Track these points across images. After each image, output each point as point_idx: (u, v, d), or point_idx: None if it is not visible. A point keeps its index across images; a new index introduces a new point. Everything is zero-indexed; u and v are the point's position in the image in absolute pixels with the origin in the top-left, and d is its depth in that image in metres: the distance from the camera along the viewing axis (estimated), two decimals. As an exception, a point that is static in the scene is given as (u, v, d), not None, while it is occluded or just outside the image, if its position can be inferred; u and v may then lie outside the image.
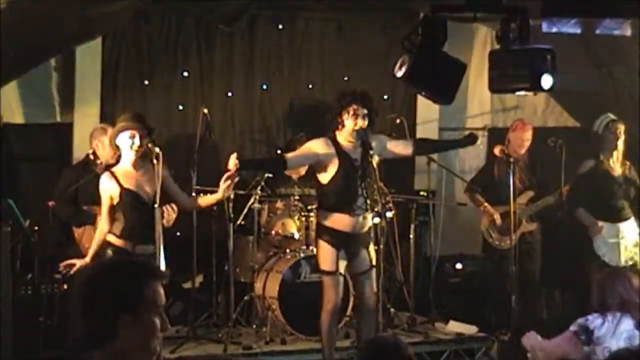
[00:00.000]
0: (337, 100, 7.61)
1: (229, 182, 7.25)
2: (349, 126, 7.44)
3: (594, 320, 5.45)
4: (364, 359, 4.11)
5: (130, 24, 9.12)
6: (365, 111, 7.44)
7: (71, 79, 9.07)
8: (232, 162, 7.16)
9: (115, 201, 7.09)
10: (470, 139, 7.97)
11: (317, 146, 7.53)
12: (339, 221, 7.49)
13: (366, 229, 7.58)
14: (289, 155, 7.68)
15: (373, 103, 7.60)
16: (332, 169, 7.49)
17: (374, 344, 4.16)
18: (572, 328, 5.52)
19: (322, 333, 7.71)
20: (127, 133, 7.06)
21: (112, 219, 7.14)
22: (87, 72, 9.12)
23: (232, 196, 8.52)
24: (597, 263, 8.92)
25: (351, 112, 7.42)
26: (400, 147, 7.77)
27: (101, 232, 7.15)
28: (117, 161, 7.18)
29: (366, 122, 7.44)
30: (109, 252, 7.10)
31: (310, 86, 10.03)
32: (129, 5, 7.90)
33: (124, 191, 7.06)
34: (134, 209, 7.11)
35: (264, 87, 9.87)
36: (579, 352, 5.47)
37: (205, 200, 7.52)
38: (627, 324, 5.39)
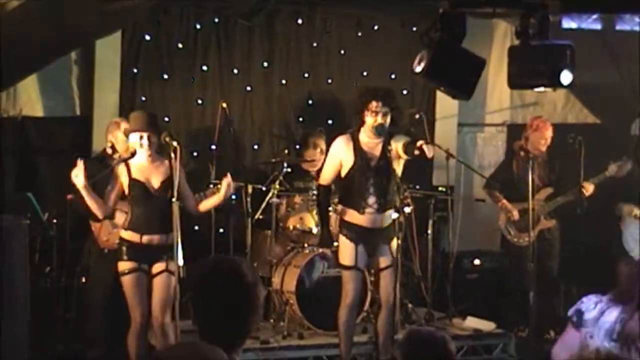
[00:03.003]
0: (359, 97, 7.62)
1: (229, 181, 7.28)
2: (369, 123, 7.46)
3: (587, 302, 5.34)
4: (408, 351, 4.03)
5: (150, 18, 9.13)
6: (387, 109, 7.43)
7: (91, 73, 9.09)
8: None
9: (126, 192, 7.15)
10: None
11: (338, 149, 7.60)
12: (354, 216, 7.51)
13: (387, 224, 7.57)
14: (325, 180, 7.78)
15: (395, 100, 7.59)
16: (348, 165, 7.51)
17: (417, 336, 4.08)
18: (569, 313, 5.40)
19: (340, 327, 7.71)
20: (137, 134, 7.13)
21: (115, 205, 7.21)
22: (106, 66, 9.13)
23: (250, 190, 8.54)
24: (625, 258, 8.89)
25: (371, 109, 7.42)
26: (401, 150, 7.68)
27: (103, 205, 7.16)
28: (133, 154, 7.22)
29: (387, 120, 7.44)
30: (123, 247, 7.12)
31: (329, 81, 10.01)
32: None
33: (132, 182, 7.14)
34: (140, 200, 7.18)
35: (283, 81, 9.86)
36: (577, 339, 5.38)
37: (205, 204, 7.56)
38: (612, 315, 5.24)
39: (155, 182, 7.19)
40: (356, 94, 7.87)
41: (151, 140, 7.14)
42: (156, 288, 7.13)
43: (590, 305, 5.26)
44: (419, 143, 7.35)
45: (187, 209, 7.46)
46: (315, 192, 8.90)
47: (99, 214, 7.10)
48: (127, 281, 7.10)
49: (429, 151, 7.36)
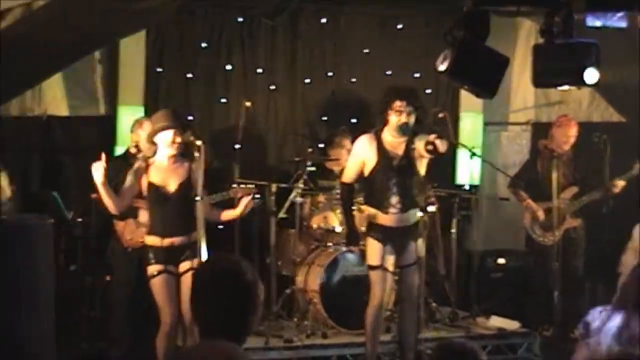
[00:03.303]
0: (383, 96, 7.62)
1: (249, 199, 7.30)
2: (393, 122, 7.45)
3: (593, 314, 5.36)
4: None
5: (174, 17, 9.15)
6: (411, 108, 7.43)
7: (115, 72, 9.12)
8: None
9: (144, 193, 7.15)
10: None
11: (361, 147, 7.59)
12: (379, 216, 7.51)
13: (412, 222, 7.56)
14: (348, 178, 7.76)
15: (419, 99, 7.58)
16: (371, 164, 7.51)
17: (449, 349, 4.07)
18: (578, 331, 5.43)
19: (367, 328, 7.70)
20: (168, 132, 7.07)
21: (126, 203, 7.21)
22: (131, 65, 9.16)
23: (274, 189, 8.55)
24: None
25: (395, 109, 7.42)
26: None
27: (117, 200, 7.11)
28: (154, 154, 7.20)
29: (412, 119, 7.43)
30: (149, 253, 7.12)
31: (352, 80, 10.00)
32: (172, -1, 7.95)
33: (149, 184, 7.11)
34: (157, 203, 7.15)
35: (307, 80, 9.87)
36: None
37: (226, 215, 7.55)
38: (616, 321, 5.26)
39: (173, 185, 7.13)
40: (380, 93, 7.86)
41: (181, 137, 7.11)
42: (184, 287, 7.12)
43: (595, 315, 5.28)
44: (430, 137, 7.32)
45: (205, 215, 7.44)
46: (339, 190, 8.90)
47: (112, 209, 7.06)
48: (155, 284, 7.10)
49: (441, 145, 7.32)
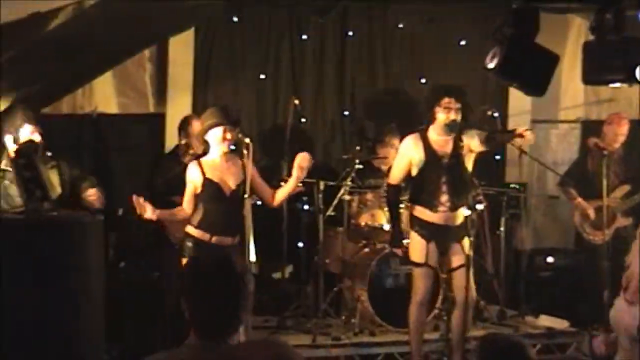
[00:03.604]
0: (431, 93, 7.60)
1: (305, 166, 7.22)
2: (441, 120, 7.42)
3: None
4: (486, 357, 4.00)
5: (223, 15, 9.19)
6: (458, 105, 7.40)
7: (164, 70, 9.18)
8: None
9: (198, 190, 7.10)
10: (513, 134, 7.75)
11: (408, 148, 7.55)
12: (426, 214, 7.48)
13: (459, 222, 7.52)
14: (395, 179, 7.70)
15: (466, 97, 7.55)
16: (419, 164, 7.48)
17: (495, 342, 4.05)
18: None
19: (410, 325, 7.69)
20: (218, 129, 7.06)
21: (195, 207, 7.15)
22: (179, 63, 9.22)
23: (321, 187, 8.55)
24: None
25: (444, 106, 7.40)
26: (477, 144, 7.63)
27: (181, 212, 7.16)
28: (205, 152, 7.19)
29: (459, 116, 7.40)
30: (189, 243, 7.11)
31: (401, 77, 9.99)
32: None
33: (206, 181, 7.05)
34: (213, 200, 7.09)
35: (355, 78, 9.87)
36: None
37: (280, 194, 7.35)
38: None
39: (231, 184, 7.11)
40: (428, 91, 7.83)
41: (231, 134, 7.10)
42: None
43: None
44: (519, 130, 7.35)
45: (267, 203, 7.39)
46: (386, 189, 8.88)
47: (185, 217, 7.10)
48: None
49: (532, 135, 7.34)
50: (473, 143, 7.44)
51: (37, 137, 6.61)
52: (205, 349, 3.51)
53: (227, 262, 3.64)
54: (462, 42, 10.03)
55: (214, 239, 7.06)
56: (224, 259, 3.69)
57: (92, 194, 6.85)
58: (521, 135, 7.37)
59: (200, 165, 7.07)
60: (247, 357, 3.38)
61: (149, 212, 6.77)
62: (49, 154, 6.40)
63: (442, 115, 7.41)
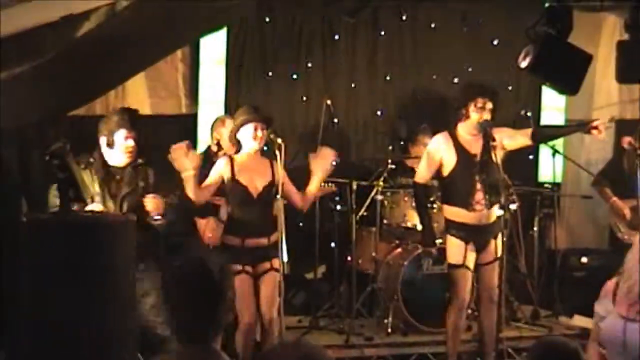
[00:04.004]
0: (464, 91, 7.57)
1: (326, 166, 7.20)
2: (474, 119, 7.40)
3: None
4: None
5: (254, 16, 9.20)
6: (491, 105, 7.39)
7: (196, 71, 9.20)
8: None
9: (228, 188, 7.13)
10: (588, 126, 7.73)
11: (439, 147, 7.52)
12: (461, 215, 7.45)
13: (493, 219, 7.50)
14: (423, 178, 7.66)
15: (498, 97, 7.53)
16: (451, 163, 7.45)
17: (550, 347, 4.03)
18: None
19: (448, 327, 7.65)
20: (249, 125, 7.08)
21: (206, 194, 7.14)
22: (212, 64, 9.24)
23: (354, 187, 8.55)
24: None
25: (478, 105, 7.38)
26: (518, 139, 7.62)
27: (191, 191, 7.05)
28: (237, 152, 7.21)
29: (490, 116, 7.39)
30: (227, 254, 7.11)
31: (433, 76, 9.97)
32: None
33: (234, 182, 7.06)
34: (242, 203, 7.11)
35: (387, 77, 9.86)
36: None
37: (308, 197, 7.32)
38: None
39: (259, 186, 7.12)
40: (460, 90, 7.80)
41: (263, 132, 7.11)
42: (263, 286, 7.13)
43: None
44: (595, 123, 7.42)
45: (297, 206, 7.36)
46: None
47: (191, 196, 7.03)
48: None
49: (604, 128, 7.42)
50: (507, 141, 7.43)
51: (130, 143, 6.64)
52: (193, 355, 3.53)
53: (203, 267, 3.66)
54: (495, 42, 9.99)
55: (246, 242, 7.07)
56: (200, 264, 3.70)
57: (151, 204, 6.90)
58: (598, 130, 7.41)
59: (231, 162, 7.08)
60: (277, 358, 3.37)
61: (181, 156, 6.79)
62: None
63: (476, 115, 7.39)
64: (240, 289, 6.97)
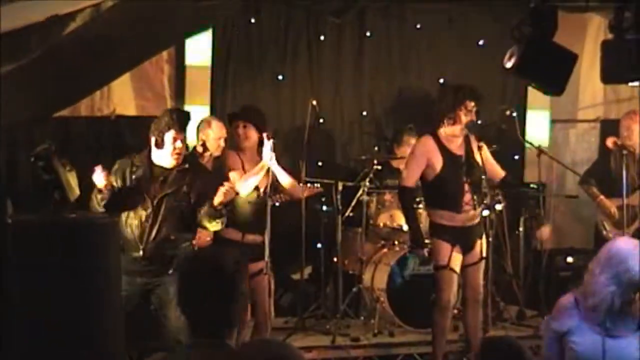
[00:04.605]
0: (454, 95, 7.55)
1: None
2: (464, 122, 7.43)
3: None
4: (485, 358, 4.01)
5: (240, 16, 9.19)
6: (476, 107, 7.44)
7: (182, 72, 9.19)
8: None
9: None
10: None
11: (425, 149, 7.53)
12: (449, 218, 7.46)
13: (477, 220, 7.53)
14: (410, 181, 7.63)
15: (480, 97, 7.57)
16: (437, 166, 7.46)
17: (493, 344, 4.04)
18: None
19: (434, 328, 7.67)
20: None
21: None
22: (197, 65, 9.23)
23: (340, 187, 8.55)
24: None
25: (468, 108, 7.42)
26: (491, 169, 7.68)
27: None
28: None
29: (475, 117, 7.44)
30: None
31: (419, 77, 9.98)
32: (238, -3, 8.00)
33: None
34: (245, 200, 7.18)
35: (373, 78, 9.86)
36: None
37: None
38: None
39: (261, 186, 7.21)
40: (448, 93, 7.77)
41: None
42: (260, 288, 7.17)
43: None
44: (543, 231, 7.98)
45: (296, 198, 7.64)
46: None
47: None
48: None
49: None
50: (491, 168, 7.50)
51: (178, 144, 6.59)
52: (202, 349, 3.53)
53: (217, 261, 3.67)
54: (481, 42, 10.01)
55: (246, 237, 7.11)
56: (214, 258, 3.72)
57: None
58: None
59: (240, 159, 7.17)
60: (249, 357, 3.38)
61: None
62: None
63: (465, 118, 7.43)
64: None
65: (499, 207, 8.29)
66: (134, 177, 6.61)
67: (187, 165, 6.64)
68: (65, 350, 5.47)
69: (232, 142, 7.67)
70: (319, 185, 8.49)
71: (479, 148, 7.40)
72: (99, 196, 6.45)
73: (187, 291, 3.65)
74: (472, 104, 7.44)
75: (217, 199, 6.44)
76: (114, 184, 6.53)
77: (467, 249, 7.52)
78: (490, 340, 4.19)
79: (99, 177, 6.46)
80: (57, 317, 5.44)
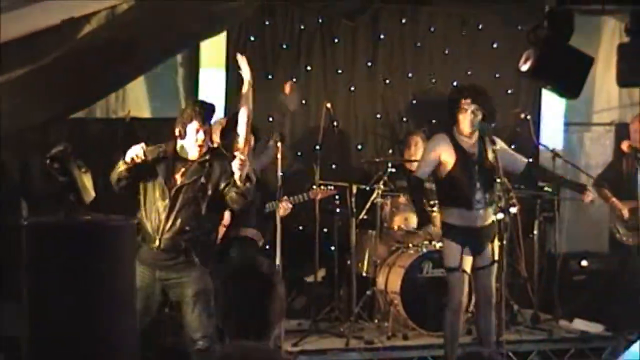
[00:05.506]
0: (450, 96, 7.63)
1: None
2: (461, 120, 7.48)
3: None
4: None
5: (254, 19, 9.19)
6: (475, 106, 7.41)
7: (196, 74, 9.19)
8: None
9: None
10: (580, 189, 8.00)
11: (438, 145, 7.55)
12: (460, 216, 7.46)
13: (489, 222, 7.52)
14: (422, 172, 7.67)
15: (483, 96, 7.52)
16: (450, 162, 7.48)
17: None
18: None
19: (446, 331, 7.67)
20: None
21: None
22: (211, 67, 9.23)
23: (354, 190, 8.54)
24: None
25: (463, 107, 7.43)
26: (511, 162, 7.66)
27: None
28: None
29: (478, 117, 7.41)
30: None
31: (432, 81, 9.96)
32: (253, 0, 7.98)
33: None
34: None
35: (387, 81, 9.85)
36: None
37: None
38: None
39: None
40: (449, 94, 7.83)
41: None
42: None
43: None
44: (586, 196, 7.94)
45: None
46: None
47: None
48: None
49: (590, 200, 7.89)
50: (504, 159, 7.47)
51: (200, 136, 6.59)
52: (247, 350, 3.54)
53: (255, 263, 3.67)
54: (495, 45, 9.98)
55: (241, 230, 7.12)
56: (252, 260, 3.72)
57: None
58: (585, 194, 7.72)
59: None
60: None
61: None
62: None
63: (461, 117, 7.46)
64: None
65: (513, 210, 8.26)
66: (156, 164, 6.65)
67: (207, 157, 6.64)
68: (80, 352, 5.49)
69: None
70: (332, 187, 8.49)
71: (494, 151, 7.38)
72: (123, 167, 6.47)
73: (226, 293, 3.66)
74: (468, 101, 7.42)
75: (237, 175, 6.44)
76: (143, 158, 6.55)
77: (477, 251, 7.51)
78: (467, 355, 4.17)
79: (138, 150, 6.53)
80: (72, 318, 5.46)
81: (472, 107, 7.42)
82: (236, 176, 6.41)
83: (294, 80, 9.14)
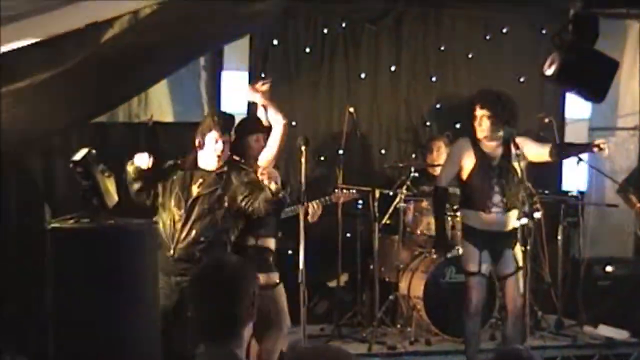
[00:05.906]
0: (469, 103, 7.65)
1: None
2: (475, 127, 7.51)
3: None
4: None
5: (278, 23, 9.18)
6: (484, 112, 7.40)
7: (219, 78, 9.19)
8: None
9: None
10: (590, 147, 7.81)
11: (459, 150, 7.60)
12: (477, 219, 7.45)
13: (510, 227, 7.50)
14: (445, 180, 7.70)
15: (494, 102, 7.49)
16: (470, 166, 7.49)
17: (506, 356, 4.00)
18: None
19: (464, 334, 7.66)
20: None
21: None
22: (234, 71, 9.23)
23: (377, 195, 8.52)
24: None
25: (476, 113, 7.51)
26: (539, 152, 7.60)
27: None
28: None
29: (488, 123, 7.39)
30: (270, 259, 7.10)
31: (456, 85, 9.93)
32: (277, 4, 7.96)
33: None
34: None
35: (410, 85, 9.82)
36: None
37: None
38: None
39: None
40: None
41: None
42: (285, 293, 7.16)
43: None
44: (597, 141, 7.48)
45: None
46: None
47: None
48: (280, 291, 7.08)
49: (608, 149, 7.49)
50: (531, 152, 7.41)
51: (219, 146, 6.62)
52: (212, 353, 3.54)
53: (219, 264, 3.71)
54: (519, 49, 9.94)
55: (259, 240, 7.11)
56: (216, 262, 3.77)
57: None
58: (600, 148, 7.40)
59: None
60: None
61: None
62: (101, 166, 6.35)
63: (475, 123, 7.53)
64: (283, 297, 7.01)
65: (537, 215, 8.21)
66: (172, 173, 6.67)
67: (225, 168, 6.64)
68: (102, 355, 5.49)
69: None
70: (354, 191, 8.47)
71: (517, 156, 7.34)
72: (130, 168, 6.63)
73: (192, 295, 3.70)
74: (477, 107, 7.47)
75: (269, 185, 6.44)
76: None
77: (496, 258, 7.48)
78: (501, 352, 4.12)
79: (143, 159, 6.61)
80: (94, 322, 5.47)
81: (481, 113, 7.43)
82: (270, 185, 6.43)
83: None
